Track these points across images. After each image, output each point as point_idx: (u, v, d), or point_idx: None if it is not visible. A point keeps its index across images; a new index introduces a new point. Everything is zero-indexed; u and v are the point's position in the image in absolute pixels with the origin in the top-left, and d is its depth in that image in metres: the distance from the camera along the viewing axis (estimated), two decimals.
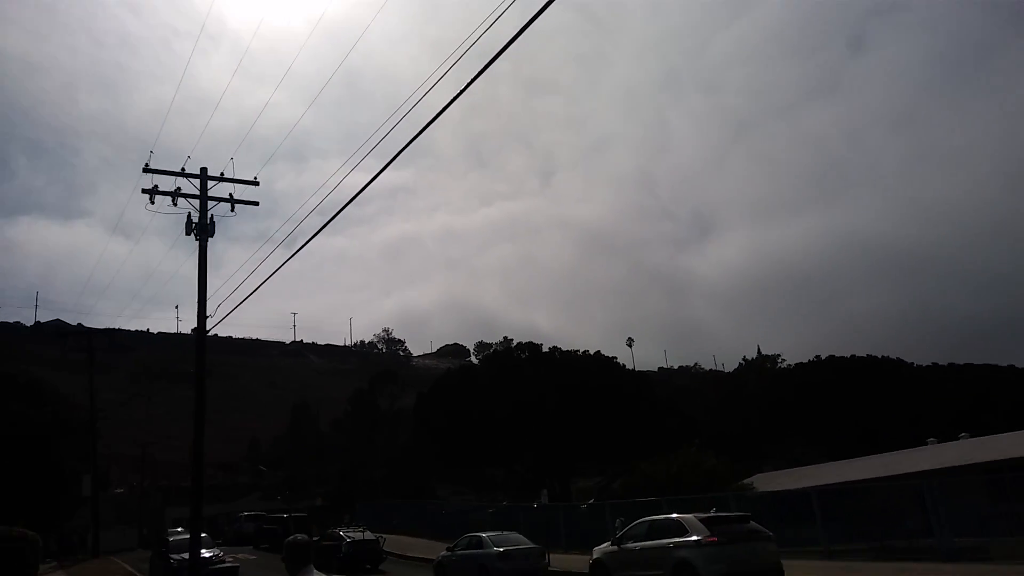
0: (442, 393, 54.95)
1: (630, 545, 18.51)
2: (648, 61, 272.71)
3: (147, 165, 20.55)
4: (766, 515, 21.00)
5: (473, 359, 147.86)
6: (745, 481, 32.28)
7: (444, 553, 24.79)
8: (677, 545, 16.68)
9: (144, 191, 20.57)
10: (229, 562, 25.84)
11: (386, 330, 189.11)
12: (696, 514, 17.49)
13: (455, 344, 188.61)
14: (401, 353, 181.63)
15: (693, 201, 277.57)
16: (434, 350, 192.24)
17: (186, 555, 21.10)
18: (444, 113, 10.65)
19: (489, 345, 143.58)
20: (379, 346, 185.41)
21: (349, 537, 28.96)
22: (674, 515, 18.39)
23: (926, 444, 35.88)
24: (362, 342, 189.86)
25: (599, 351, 55.53)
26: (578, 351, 55.40)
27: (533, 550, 22.99)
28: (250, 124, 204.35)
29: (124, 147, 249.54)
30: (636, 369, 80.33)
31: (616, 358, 56.33)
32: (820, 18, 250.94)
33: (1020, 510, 20.12)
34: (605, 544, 20.13)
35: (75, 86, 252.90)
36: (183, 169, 20.99)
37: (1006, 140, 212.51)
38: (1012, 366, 70.91)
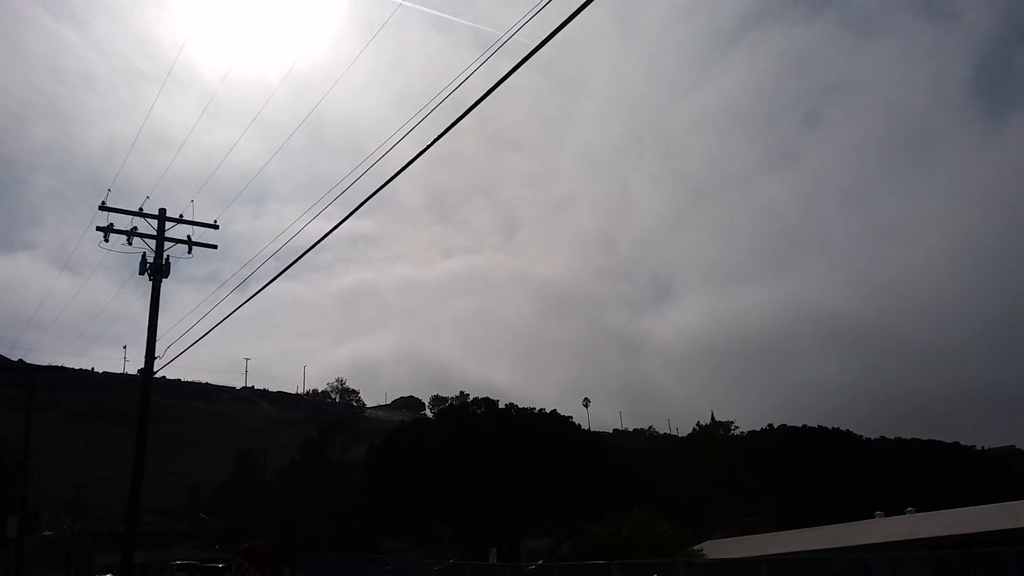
0: (394, 446, 53.95)
1: None
2: (611, 124, 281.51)
3: (103, 203, 20.33)
4: None
5: (428, 412, 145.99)
6: (695, 547, 32.08)
7: None
8: None
9: (99, 228, 20.27)
10: None
11: (340, 380, 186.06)
12: None
13: (410, 397, 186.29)
14: (354, 403, 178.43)
15: (652, 263, 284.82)
16: (388, 402, 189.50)
17: None
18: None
19: (445, 399, 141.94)
20: (332, 395, 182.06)
21: None
22: None
23: (873, 517, 36.20)
24: (315, 391, 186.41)
25: (555, 410, 55.30)
26: (534, 409, 55.11)
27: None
28: (211, 167, 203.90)
29: (74, 181, 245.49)
30: (591, 429, 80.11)
31: (572, 417, 56.08)
32: (778, 93, 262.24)
33: None
34: None
35: (28, 117, 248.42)
36: (141, 209, 20.78)
37: (950, 219, 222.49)
38: (956, 443, 72.36)
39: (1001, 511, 29.68)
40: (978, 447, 79.90)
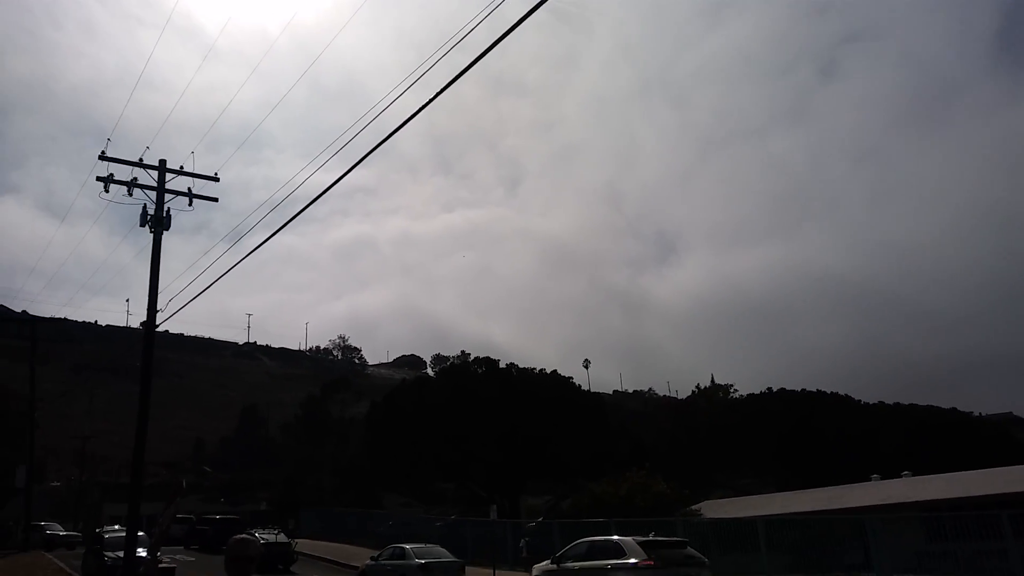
0: (396, 403, 54.38)
1: (569, 565, 18.52)
2: (619, 69, 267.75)
3: (103, 153, 20.12)
4: (713, 542, 21.10)
5: (429, 371, 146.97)
6: (693, 507, 32.47)
7: (368, 562, 25.41)
8: (615, 567, 16.76)
9: (99, 179, 20.09)
10: (166, 563, 25.10)
11: (342, 337, 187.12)
12: (635, 537, 17.58)
13: (412, 355, 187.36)
14: (356, 361, 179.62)
15: (657, 220, 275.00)
16: (390, 360, 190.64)
17: (121, 553, 20.41)
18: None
19: (446, 358, 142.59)
20: (334, 352, 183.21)
21: (262, 539, 29.89)
22: (614, 537, 18.50)
23: (870, 480, 36.53)
24: (317, 347, 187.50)
25: (556, 370, 55.56)
26: (535, 369, 55.35)
27: (453, 564, 23.67)
28: (207, 115, 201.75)
29: (61, 123, 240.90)
30: (591, 390, 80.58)
31: (572, 378, 56.38)
32: (792, 41, 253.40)
33: (955, 549, 20.56)
34: (544, 563, 20.09)
35: (6, 51, 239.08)
36: (141, 159, 20.56)
37: (964, 182, 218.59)
38: (954, 408, 72.81)
39: (996, 476, 29.90)
40: (976, 413, 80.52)
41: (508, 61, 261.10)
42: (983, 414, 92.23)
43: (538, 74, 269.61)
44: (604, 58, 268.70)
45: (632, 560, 16.48)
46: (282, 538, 31.53)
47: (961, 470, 34.57)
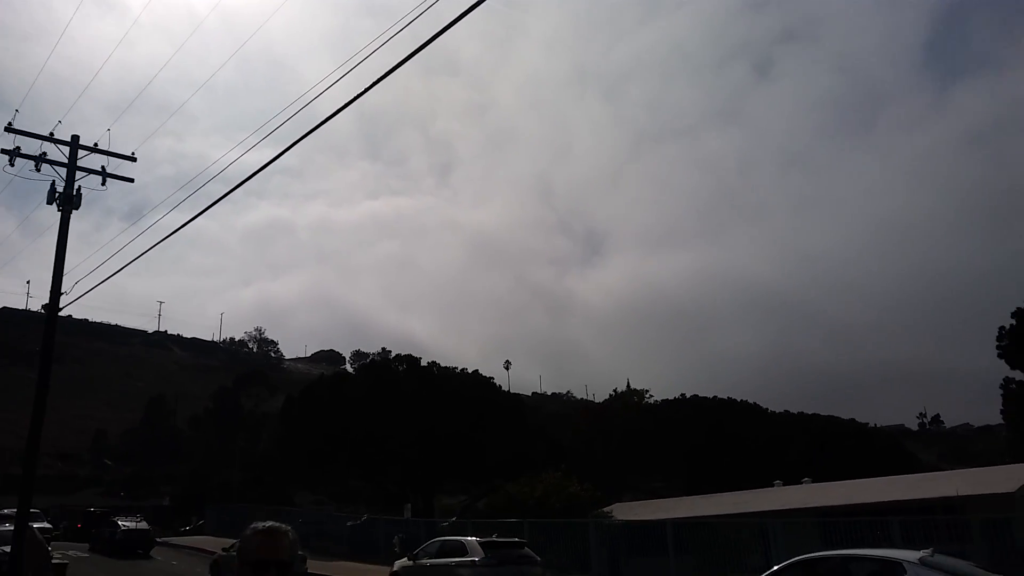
0: (313, 398, 53.31)
1: (423, 561, 20.54)
2: (556, 53, 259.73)
3: (10, 124, 19.01)
4: (623, 543, 21.58)
5: (348, 367, 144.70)
6: (605, 509, 33.08)
7: (221, 552, 27.04)
8: (458, 564, 18.94)
9: (3, 151, 18.97)
10: (58, 558, 23.84)
11: (258, 329, 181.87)
12: (477, 538, 19.95)
13: (331, 350, 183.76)
14: (272, 354, 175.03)
15: (587, 217, 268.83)
16: (308, 354, 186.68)
17: (8, 548, 19.28)
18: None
19: (366, 355, 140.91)
20: (250, 345, 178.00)
21: (124, 525, 35.11)
22: (459, 537, 21.05)
23: (773, 485, 38.04)
24: (232, 339, 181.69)
25: (477, 371, 55.67)
26: (456, 368, 55.32)
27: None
28: (125, 91, 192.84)
29: None
30: (512, 391, 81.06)
31: (493, 378, 56.62)
32: (730, 36, 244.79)
33: None
34: (403, 559, 21.98)
35: None
36: (52, 134, 19.53)
37: (879, 194, 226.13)
38: (853, 419, 76.56)
39: (888, 484, 31.68)
40: (872, 424, 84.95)
41: (442, 21, 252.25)
42: (878, 425, 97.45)
43: (472, 52, 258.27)
44: (541, 39, 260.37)
45: (473, 558, 18.58)
46: (143, 525, 36.22)
47: (857, 478, 36.45)
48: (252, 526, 3.01)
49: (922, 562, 11.41)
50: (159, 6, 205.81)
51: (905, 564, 11.36)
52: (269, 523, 3.01)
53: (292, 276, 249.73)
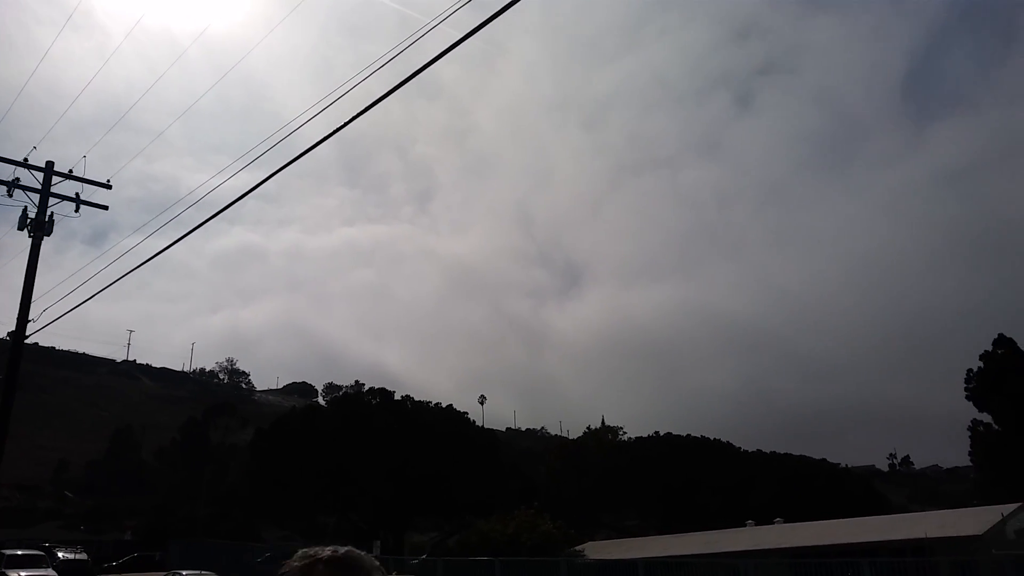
0: (284, 431, 52.52)
1: None
2: (538, 79, 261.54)
3: None
4: None
5: (321, 400, 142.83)
6: (577, 548, 32.77)
7: None
8: None
9: None
10: None
11: (229, 360, 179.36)
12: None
13: (302, 382, 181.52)
14: (244, 386, 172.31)
15: (566, 249, 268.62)
16: (280, 386, 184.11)
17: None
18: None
19: (339, 387, 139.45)
20: (220, 376, 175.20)
21: (63, 556, 36.93)
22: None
23: (745, 525, 37.99)
24: (202, 369, 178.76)
25: (451, 405, 55.31)
26: (430, 402, 54.89)
27: None
28: (103, 117, 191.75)
29: None
30: (486, 427, 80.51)
31: (467, 413, 56.25)
32: (711, 67, 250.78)
33: None
34: None
35: None
36: (26, 159, 19.35)
37: (856, 231, 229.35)
38: (824, 459, 76.95)
39: (859, 525, 31.77)
40: (843, 465, 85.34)
41: (424, 56, 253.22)
42: (849, 465, 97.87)
43: (453, 74, 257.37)
44: (522, 64, 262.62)
45: None
46: (81, 555, 39.00)
47: (828, 518, 36.54)
48: (305, 552, 2.04)
49: None
50: (138, 30, 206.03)
51: None
52: (334, 549, 2.00)
53: (263, 303, 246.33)
